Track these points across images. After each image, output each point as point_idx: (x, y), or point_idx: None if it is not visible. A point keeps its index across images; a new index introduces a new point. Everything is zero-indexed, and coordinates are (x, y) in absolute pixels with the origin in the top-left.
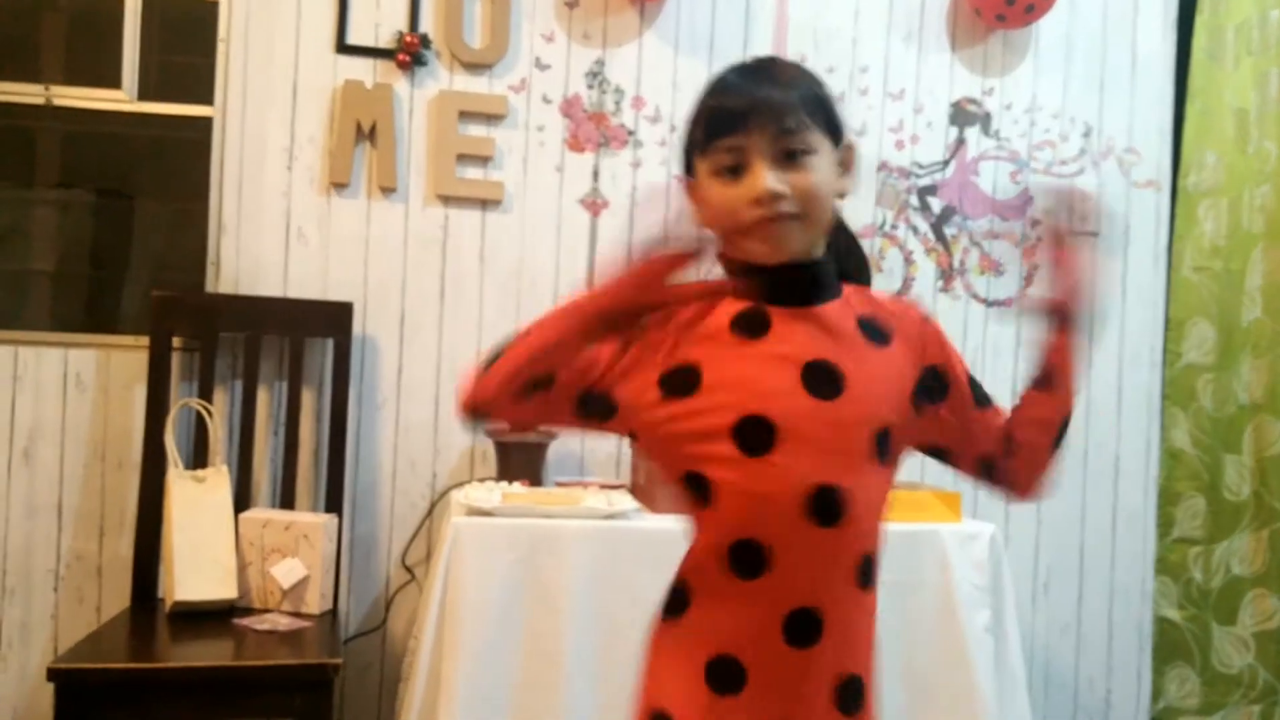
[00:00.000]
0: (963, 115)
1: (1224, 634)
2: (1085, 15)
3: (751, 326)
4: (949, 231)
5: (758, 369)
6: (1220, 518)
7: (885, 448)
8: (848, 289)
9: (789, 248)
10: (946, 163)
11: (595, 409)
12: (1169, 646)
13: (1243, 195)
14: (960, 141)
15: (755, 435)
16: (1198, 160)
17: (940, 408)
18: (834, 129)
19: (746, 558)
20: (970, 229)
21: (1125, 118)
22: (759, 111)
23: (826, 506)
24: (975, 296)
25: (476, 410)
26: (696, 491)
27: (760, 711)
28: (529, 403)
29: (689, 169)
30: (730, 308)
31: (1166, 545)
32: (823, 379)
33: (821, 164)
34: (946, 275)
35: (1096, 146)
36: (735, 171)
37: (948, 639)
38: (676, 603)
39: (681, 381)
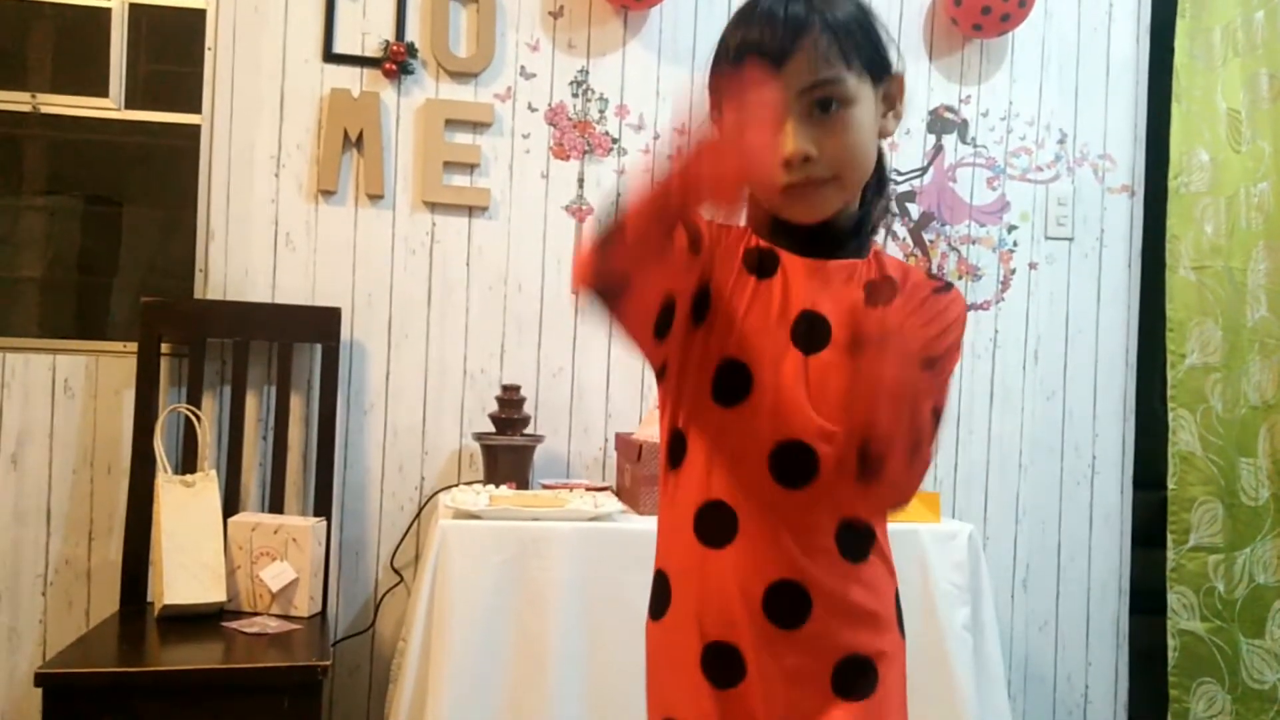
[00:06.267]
0: (940, 123)
1: (1252, 647)
2: (1060, 24)
3: (761, 266)
4: (927, 237)
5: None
6: (1239, 524)
7: None
8: (884, 256)
9: (821, 212)
10: (925, 169)
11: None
12: (1193, 661)
13: (1239, 194)
14: (938, 149)
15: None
16: (1188, 161)
17: None
18: (879, 65)
19: (718, 523)
20: (948, 234)
21: (1099, 124)
22: (786, 60)
23: (792, 467)
24: None
25: (611, 274)
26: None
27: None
28: (663, 255)
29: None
30: (747, 240)
31: (1183, 554)
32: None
33: (861, 114)
34: None
35: (1072, 153)
36: None
37: (927, 637)
38: (658, 598)
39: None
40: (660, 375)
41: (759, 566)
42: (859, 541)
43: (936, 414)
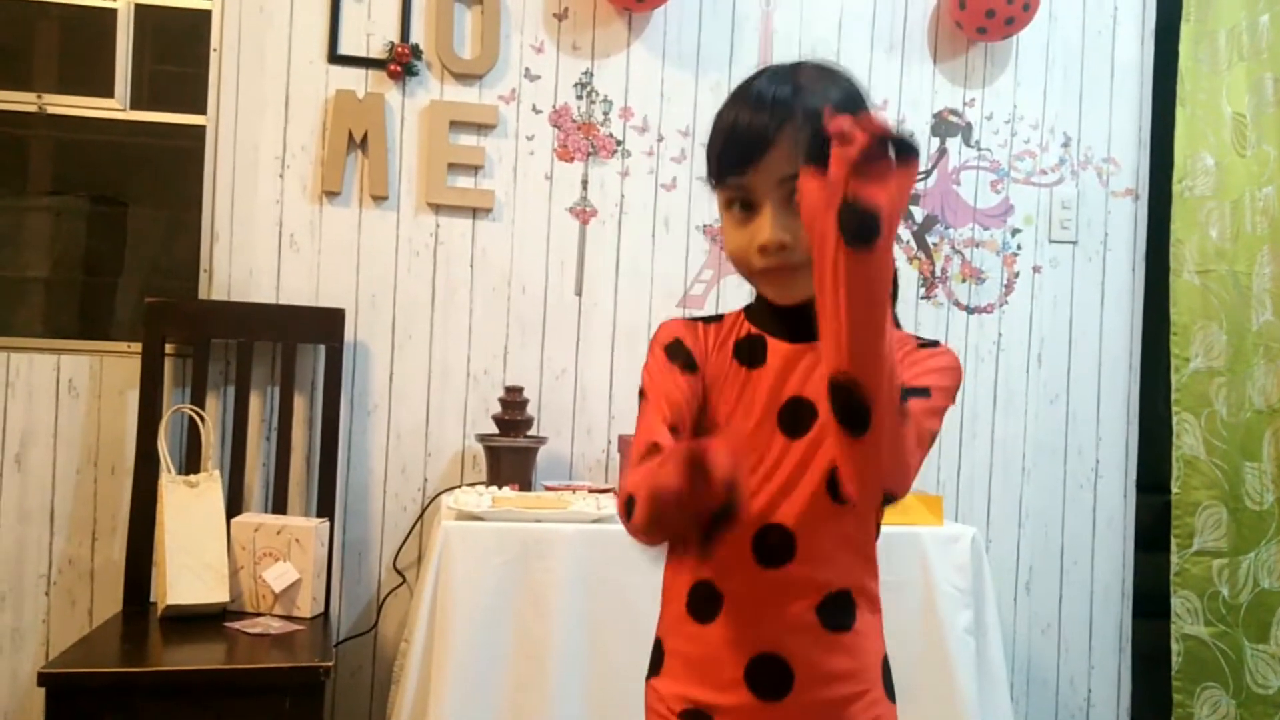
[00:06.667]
0: (944, 126)
1: (1257, 652)
2: (1064, 27)
3: (751, 356)
4: (931, 240)
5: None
6: (1243, 528)
7: (836, 488)
8: None
9: (798, 294)
10: (929, 172)
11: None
12: (1197, 666)
13: (1243, 198)
14: (942, 152)
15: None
16: (1192, 165)
17: None
18: None
19: (705, 601)
20: (952, 237)
21: (1104, 127)
22: (768, 149)
23: (772, 547)
24: (957, 303)
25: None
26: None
27: None
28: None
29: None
30: (739, 330)
31: (1187, 558)
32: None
33: None
34: (929, 283)
35: (1076, 156)
36: (747, 206)
37: (930, 640)
38: (654, 660)
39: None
40: None
41: (742, 641)
42: (842, 612)
43: (931, 435)
